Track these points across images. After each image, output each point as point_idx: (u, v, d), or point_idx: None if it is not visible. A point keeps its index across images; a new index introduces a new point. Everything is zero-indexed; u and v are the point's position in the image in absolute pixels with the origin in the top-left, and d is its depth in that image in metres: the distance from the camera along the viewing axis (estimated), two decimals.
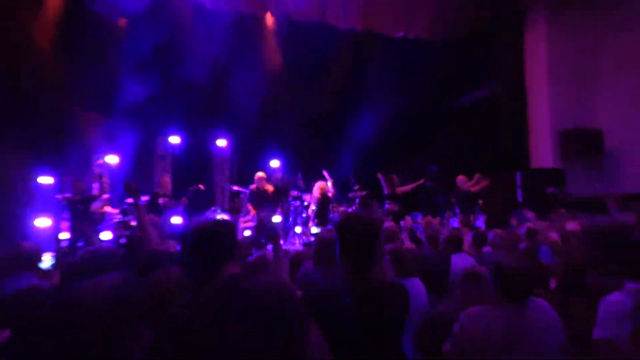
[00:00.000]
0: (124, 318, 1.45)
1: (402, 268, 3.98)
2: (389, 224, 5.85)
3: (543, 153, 11.97)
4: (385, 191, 10.32)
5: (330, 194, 10.02)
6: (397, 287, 2.51)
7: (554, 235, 6.18)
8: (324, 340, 2.19)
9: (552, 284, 4.24)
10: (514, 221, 9.13)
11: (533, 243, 5.45)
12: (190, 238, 2.14)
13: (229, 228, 2.21)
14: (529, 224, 6.08)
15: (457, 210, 10.15)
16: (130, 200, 8.77)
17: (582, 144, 11.64)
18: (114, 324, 1.43)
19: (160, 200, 8.86)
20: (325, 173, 10.15)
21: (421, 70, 12.06)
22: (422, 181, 10.57)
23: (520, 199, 10.76)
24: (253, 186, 9.67)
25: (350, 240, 2.42)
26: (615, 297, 2.61)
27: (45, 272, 4.38)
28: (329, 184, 10.04)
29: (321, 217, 9.74)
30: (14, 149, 8.97)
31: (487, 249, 5.63)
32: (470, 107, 12.74)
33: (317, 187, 9.88)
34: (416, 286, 3.90)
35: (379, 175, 10.47)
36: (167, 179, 9.36)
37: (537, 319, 2.73)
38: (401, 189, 10.37)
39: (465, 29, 11.54)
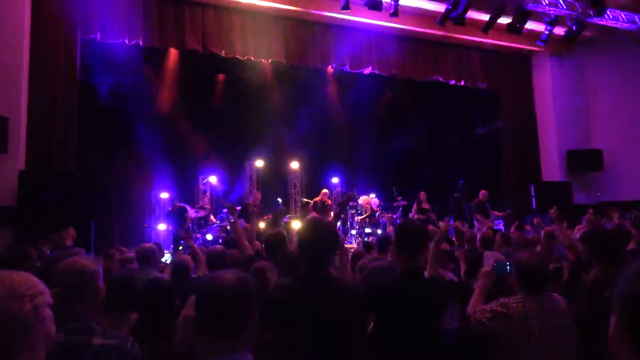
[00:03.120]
0: (253, 301, 1.41)
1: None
2: (430, 227, 5.61)
3: (552, 169, 11.33)
4: (415, 206, 10.07)
5: (374, 206, 9.96)
6: (441, 279, 2.52)
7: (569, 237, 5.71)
8: (380, 320, 2.18)
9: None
10: (528, 227, 8.64)
11: (550, 244, 5.04)
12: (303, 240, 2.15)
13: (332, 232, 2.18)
14: (547, 228, 5.65)
15: (477, 217, 9.74)
16: (227, 214, 8.91)
17: (585, 161, 11.03)
18: (249, 305, 1.39)
19: (250, 210, 8.94)
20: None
21: (448, 105, 11.82)
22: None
23: (534, 206, 10.23)
24: (317, 198, 9.72)
25: (405, 239, 2.37)
26: None
27: (163, 267, 4.41)
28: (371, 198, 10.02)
29: (371, 221, 9.71)
30: (142, 172, 9.32)
31: (510, 248, 5.29)
32: (489, 134, 12.31)
33: (362, 200, 9.91)
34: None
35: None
36: (258, 195, 9.47)
37: (552, 310, 2.48)
38: (426, 205, 10.06)
39: (483, 73, 11.24)
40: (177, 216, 8.70)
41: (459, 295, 3.34)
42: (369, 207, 9.86)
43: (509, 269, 2.60)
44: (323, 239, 2.10)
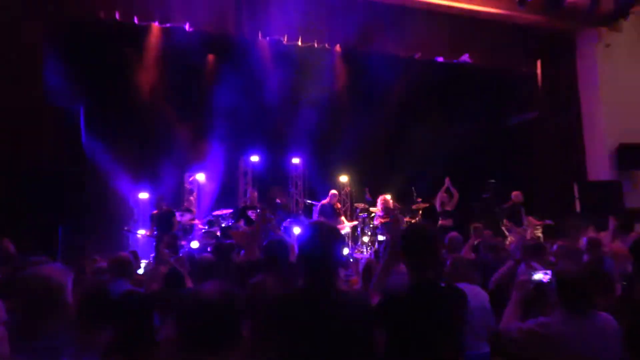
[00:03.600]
0: (239, 317, 1.45)
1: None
2: (453, 233, 5.60)
3: (599, 166, 11.21)
4: (438, 207, 10.01)
5: (391, 206, 9.92)
6: (457, 290, 2.51)
7: (618, 246, 5.67)
8: (391, 337, 2.22)
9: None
10: (572, 232, 8.61)
11: (596, 254, 5.00)
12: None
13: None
14: (591, 235, 5.60)
15: (505, 222, 9.71)
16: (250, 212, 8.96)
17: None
18: (234, 322, 1.43)
19: (250, 213, 8.95)
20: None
21: (477, 92, 11.77)
22: (446, 183, 9.98)
23: (578, 209, 10.16)
24: (325, 201, 9.69)
25: (413, 246, 2.43)
26: None
27: (140, 279, 4.44)
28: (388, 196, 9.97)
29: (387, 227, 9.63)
30: (118, 168, 9.32)
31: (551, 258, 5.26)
32: (524, 125, 12.25)
33: (380, 200, 9.81)
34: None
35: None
36: (255, 194, 9.52)
37: (599, 332, 2.48)
38: (453, 203, 10.01)
39: (518, 54, 11.18)
40: (163, 221, 8.70)
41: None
42: (383, 207, 9.76)
43: (549, 279, 2.59)
44: (327, 245, 2.09)
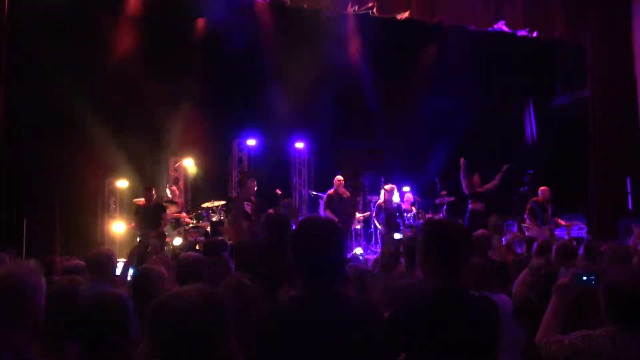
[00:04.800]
0: (225, 326, 1.46)
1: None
2: (481, 231, 5.62)
3: None
4: (466, 190, 10.02)
5: (407, 204, 10.09)
6: (489, 300, 2.45)
7: None
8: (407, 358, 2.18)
9: None
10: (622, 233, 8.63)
11: None
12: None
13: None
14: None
15: (525, 219, 9.71)
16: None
17: None
18: (219, 332, 1.44)
19: (246, 205, 8.95)
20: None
21: (514, 66, 11.72)
22: (504, 169, 10.04)
23: (630, 207, 10.14)
24: (330, 191, 9.70)
25: (437, 247, 2.34)
26: None
27: (116, 280, 4.46)
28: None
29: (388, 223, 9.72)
30: (91, 152, 9.34)
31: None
32: (571, 107, 12.21)
33: (385, 190, 9.90)
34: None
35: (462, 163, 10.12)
36: (253, 184, 9.39)
37: None
38: (485, 187, 10.05)
39: (564, 22, 11.09)
40: (151, 215, 8.73)
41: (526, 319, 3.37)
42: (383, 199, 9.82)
43: (595, 282, 2.58)
44: (326, 242, 2.03)
